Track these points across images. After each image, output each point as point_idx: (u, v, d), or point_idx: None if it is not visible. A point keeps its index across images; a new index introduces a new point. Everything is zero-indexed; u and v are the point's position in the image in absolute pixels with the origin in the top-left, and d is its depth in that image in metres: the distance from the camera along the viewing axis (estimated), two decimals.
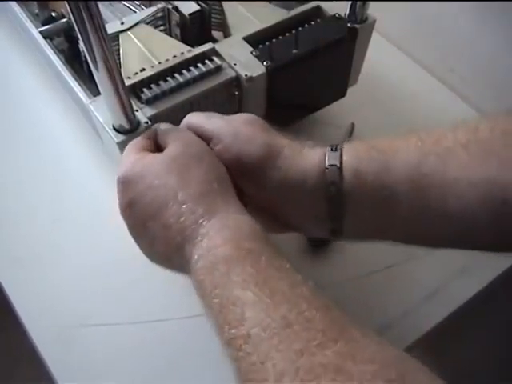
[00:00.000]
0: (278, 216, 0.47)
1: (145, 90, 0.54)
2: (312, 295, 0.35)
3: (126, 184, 0.43)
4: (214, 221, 0.40)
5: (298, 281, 0.36)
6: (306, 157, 0.45)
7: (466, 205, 0.40)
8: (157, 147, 0.46)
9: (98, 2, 0.40)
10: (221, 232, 0.39)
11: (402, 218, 0.43)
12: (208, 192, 0.41)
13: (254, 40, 0.60)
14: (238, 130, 0.46)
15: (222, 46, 0.59)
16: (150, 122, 0.52)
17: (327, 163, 0.43)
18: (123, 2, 0.70)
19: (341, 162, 0.43)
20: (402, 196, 0.42)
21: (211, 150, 0.45)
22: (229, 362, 0.36)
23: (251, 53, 0.58)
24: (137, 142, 0.46)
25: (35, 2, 0.69)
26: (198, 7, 0.63)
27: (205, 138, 0.46)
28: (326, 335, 0.33)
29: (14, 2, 0.69)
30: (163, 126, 0.47)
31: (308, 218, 0.47)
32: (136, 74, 0.55)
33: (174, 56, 0.57)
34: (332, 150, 0.44)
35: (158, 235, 0.42)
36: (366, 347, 0.33)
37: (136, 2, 0.70)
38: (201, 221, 0.40)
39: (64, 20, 0.67)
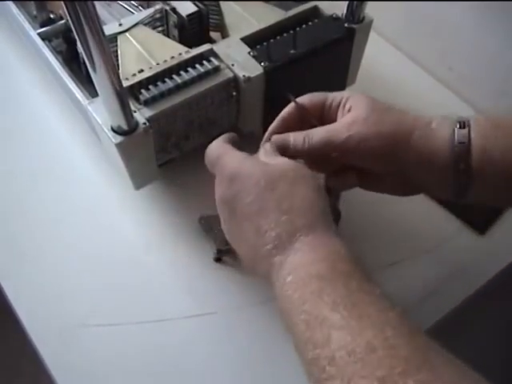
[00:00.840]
0: (401, 184, 0.50)
1: (143, 91, 0.54)
2: (399, 321, 0.36)
3: (232, 179, 0.43)
4: (311, 237, 0.40)
5: (386, 306, 0.37)
6: (435, 136, 0.46)
7: None
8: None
9: (95, 4, 0.40)
10: (317, 250, 0.39)
11: None
12: (312, 209, 0.42)
13: (252, 40, 0.60)
14: (373, 103, 0.48)
15: (220, 47, 0.59)
16: (148, 123, 0.53)
17: (456, 141, 0.45)
18: (121, 3, 0.70)
19: (469, 139, 0.45)
20: None
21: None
22: (308, 379, 0.36)
23: (249, 53, 0.59)
24: (225, 140, 0.48)
25: (33, 4, 0.69)
26: (195, 8, 0.63)
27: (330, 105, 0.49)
28: (410, 363, 0.33)
29: (13, 4, 0.70)
30: (268, 148, 0.48)
31: (435, 186, 0.49)
32: (134, 75, 0.55)
33: (172, 57, 0.57)
34: (460, 127, 0.46)
35: (249, 238, 0.42)
36: (449, 376, 0.33)
37: (134, 3, 0.70)
38: (298, 234, 0.40)
39: (62, 21, 0.67)
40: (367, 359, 0.33)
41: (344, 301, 0.36)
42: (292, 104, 0.50)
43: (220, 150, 0.46)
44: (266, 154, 0.47)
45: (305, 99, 0.50)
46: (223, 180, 0.44)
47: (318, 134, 0.47)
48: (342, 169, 0.51)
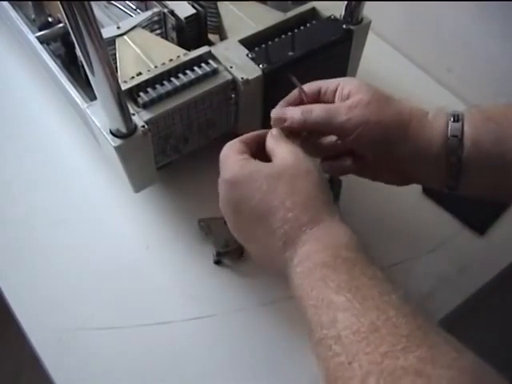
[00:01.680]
0: (396, 173, 0.51)
1: (141, 93, 0.54)
2: (400, 303, 0.38)
3: (234, 184, 0.45)
4: (315, 229, 0.42)
5: (388, 289, 0.39)
6: (430, 128, 0.48)
7: None
8: (255, 153, 0.48)
9: (93, 7, 0.40)
10: (320, 240, 0.42)
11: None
12: (314, 202, 0.44)
13: (250, 42, 0.60)
14: (373, 91, 0.49)
15: (218, 49, 0.59)
16: (146, 126, 0.53)
17: (450, 134, 0.47)
18: (119, 6, 0.70)
19: (462, 133, 0.47)
20: None
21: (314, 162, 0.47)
22: (316, 360, 0.39)
23: (247, 55, 0.59)
24: (234, 144, 0.48)
25: (32, 8, 0.69)
26: (193, 10, 0.63)
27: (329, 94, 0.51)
28: (410, 340, 0.35)
29: (11, 8, 0.69)
30: (275, 132, 0.49)
31: (428, 177, 0.51)
32: (132, 77, 0.55)
33: (171, 59, 0.57)
34: (454, 120, 0.47)
35: (259, 238, 0.45)
36: (447, 353, 0.35)
37: (132, 6, 0.70)
38: (304, 228, 0.42)
39: (60, 25, 0.67)
40: (371, 338, 0.35)
41: (348, 285, 0.38)
42: (295, 91, 0.52)
43: (226, 152, 0.47)
44: (273, 138, 0.48)
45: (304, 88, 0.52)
46: (226, 183, 0.46)
47: (317, 110, 0.49)
48: (339, 154, 0.52)
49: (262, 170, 0.45)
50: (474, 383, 0.34)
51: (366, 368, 0.34)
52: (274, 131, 0.49)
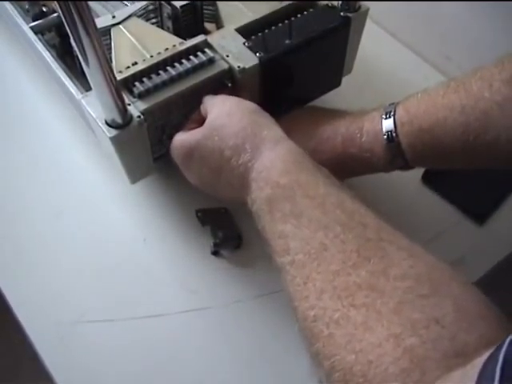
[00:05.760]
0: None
1: (137, 83, 0.54)
2: (347, 216, 0.39)
3: (185, 163, 0.52)
4: (257, 165, 0.45)
5: (332, 204, 0.40)
6: (368, 148, 0.53)
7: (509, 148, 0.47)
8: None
9: None
10: (261, 174, 0.45)
11: (456, 162, 0.52)
12: (243, 140, 0.47)
13: (247, 31, 0.60)
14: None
15: (215, 38, 0.59)
16: (142, 116, 0.52)
17: (384, 132, 0.52)
18: None
19: (401, 152, 0.51)
20: (455, 154, 0.50)
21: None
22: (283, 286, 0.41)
23: (244, 44, 0.58)
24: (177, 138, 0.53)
25: None
26: None
27: None
28: (360, 255, 0.36)
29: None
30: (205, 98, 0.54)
31: (377, 171, 0.56)
32: (128, 67, 0.55)
33: (166, 49, 0.57)
34: (389, 140, 0.51)
35: (224, 192, 0.51)
36: (400, 262, 0.35)
37: None
38: (249, 165, 0.46)
39: (55, 15, 0.66)
40: (321, 257, 0.37)
41: (292, 212, 0.41)
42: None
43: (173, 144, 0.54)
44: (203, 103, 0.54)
45: None
46: (181, 168, 0.53)
47: None
48: None
49: (196, 140, 0.50)
50: (431, 290, 0.34)
51: (320, 286, 0.36)
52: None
